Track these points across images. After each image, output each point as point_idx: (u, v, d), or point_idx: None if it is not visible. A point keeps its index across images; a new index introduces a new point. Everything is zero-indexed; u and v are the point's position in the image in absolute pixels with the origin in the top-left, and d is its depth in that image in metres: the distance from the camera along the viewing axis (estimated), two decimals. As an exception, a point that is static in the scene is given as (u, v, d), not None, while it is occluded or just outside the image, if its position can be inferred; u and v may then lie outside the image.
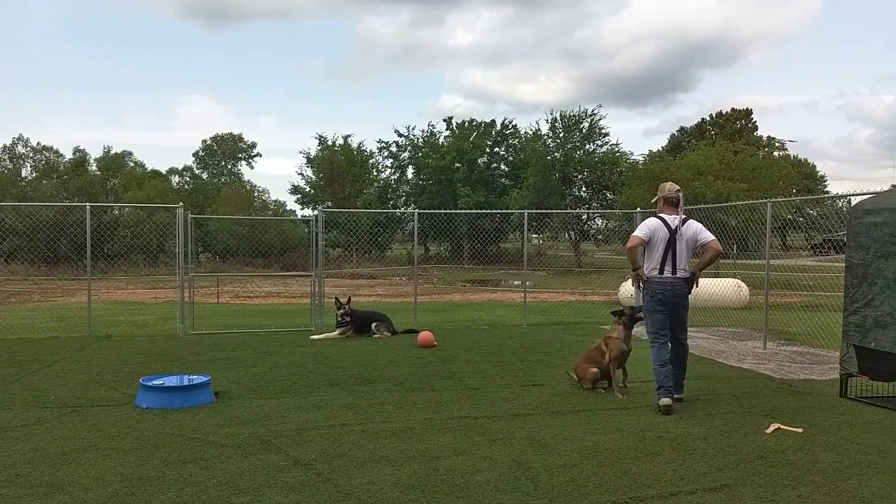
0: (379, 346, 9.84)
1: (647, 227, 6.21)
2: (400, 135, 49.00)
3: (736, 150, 34.96)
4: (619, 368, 6.75)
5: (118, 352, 9.38)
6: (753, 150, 39.53)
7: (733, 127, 54.92)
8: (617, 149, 42.19)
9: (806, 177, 53.10)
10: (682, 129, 60.96)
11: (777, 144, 54.55)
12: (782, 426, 5.36)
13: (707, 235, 6.34)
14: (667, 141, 61.10)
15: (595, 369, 6.68)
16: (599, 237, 41.08)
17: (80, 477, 4.19)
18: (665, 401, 5.89)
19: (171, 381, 6.43)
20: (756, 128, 56.83)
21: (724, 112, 57.55)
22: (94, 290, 14.09)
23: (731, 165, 31.69)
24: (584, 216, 40.37)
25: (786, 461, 4.54)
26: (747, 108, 57.36)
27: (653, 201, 6.66)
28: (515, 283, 27.26)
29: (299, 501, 3.83)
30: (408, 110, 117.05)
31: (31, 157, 55.49)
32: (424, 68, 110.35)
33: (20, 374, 7.65)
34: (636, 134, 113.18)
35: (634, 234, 6.22)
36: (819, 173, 58.87)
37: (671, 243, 6.15)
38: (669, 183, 6.58)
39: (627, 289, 15.96)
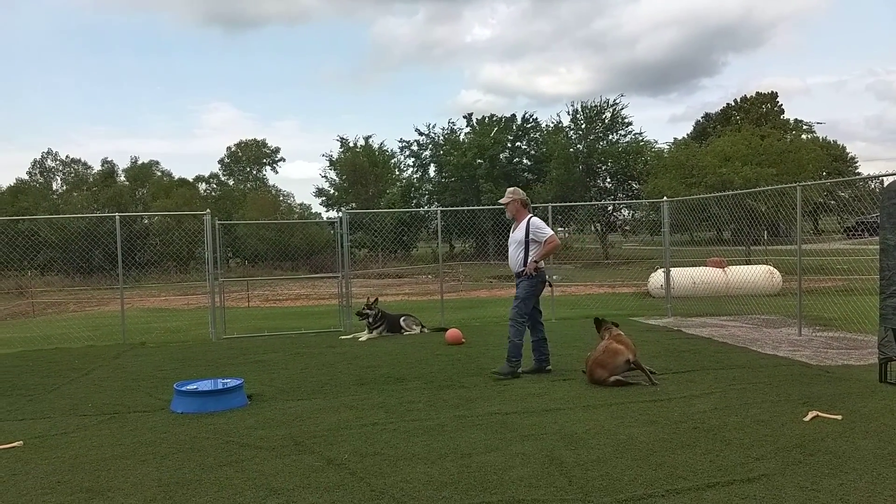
0: (407, 345, 9.87)
1: (547, 225, 7.50)
2: (420, 133, 49.03)
3: (763, 134, 34.41)
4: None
5: (152, 358, 9.53)
6: (780, 133, 38.86)
7: (759, 111, 54.03)
8: (641, 138, 41.78)
9: (836, 159, 52.02)
10: (707, 116, 60.16)
11: (805, 127, 53.53)
12: (821, 413, 5.26)
13: None
14: (692, 128, 60.42)
15: (614, 377, 6.56)
16: (626, 228, 40.70)
17: (120, 482, 4.26)
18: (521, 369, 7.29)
19: (205, 385, 6.51)
20: (782, 111, 55.87)
21: (749, 96, 56.65)
22: (128, 299, 14.36)
23: (758, 150, 31.18)
24: (610, 207, 40.01)
25: (825, 449, 4.45)
26: (773, 92, 56.42)
27: (502, 202, 7.61)
28: (542, 277, 27.09)
29: (334, 501, 3.85)
30: (427, 108, 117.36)
31: (61, 171, 56.75)
32: (442, 66, 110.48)
33: (59, 383, 7.82)
34: (660, 122, 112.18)
35: (552, 232, 7.42)
36: (849, 155, 57.67)
37: None
38: (519, 188, 7.89)
39: (658, 280, 15.79)
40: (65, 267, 32.02)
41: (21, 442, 5.24)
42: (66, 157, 56.70)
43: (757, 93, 56.71)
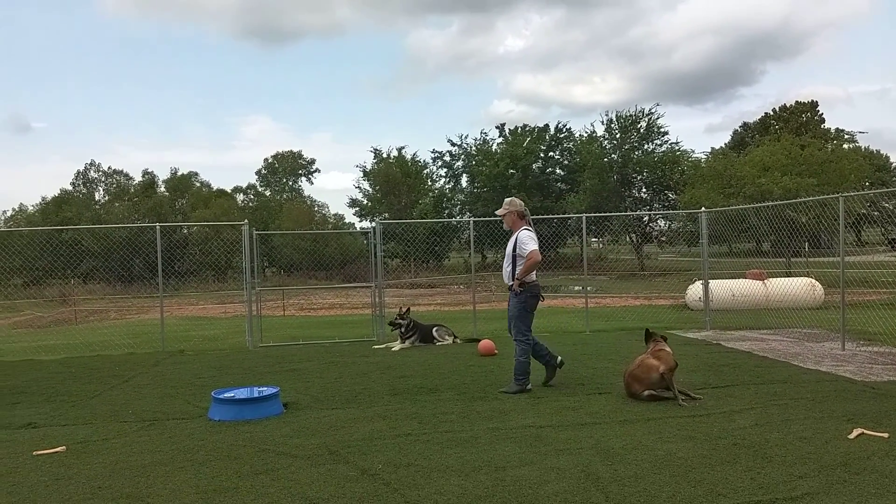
0: (440, 356, 9.86)
1: (535, 239, 7.10)
2: (453, 144, 49.24)
3: (803, 144, 33.71)
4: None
5: (191, 366, 9.69)
6: (821, 143, 38.01)
7: (799, 120, 53.03)
8: (677, 147, 41.30)
9: (879, 169, 50.76)
10: (745, 125, 59.39)
11: (846, 136, 52.35)
12: (866, 431, 5.10)
13: None
14: (730, 137, 59.67)
15: (648, 391, 6.42)
16: (663, 239, 40.20)
17: (158, 489, 4.33)
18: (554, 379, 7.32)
19: (242, 393, 6.59)
20: (823, 120, 54.80)
21: (788, 105, 55.66)
22: (167, 307, 14.64)
23: (798, 160, 30.57)
24: (646, 218, 39.55)
25: (871, 468, 4.31)
26: (812, 101, 55.39)
27: (499, 213, 7.39)
28: (576, 288, 26.92)
29: (368, 512, 3.85)
30: (460, 119, 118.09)
31: (103, 182, 58.18)
32: (475, 77, 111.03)
33: (100, 389, 7.99)
34: (697, 131, 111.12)
35: (534, 248, 6.98)
36: (893, 164, 56.15)
37: None
38: (517, 199, 7.55)
39: (696, 292, 15.55)
40: (106, 275, 32.82)
41: (64, 447, 5.36)
42: (109, 168, 58.20)
43: (797, 102, 55.71)
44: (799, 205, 16.43)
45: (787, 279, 16.94)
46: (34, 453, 5.22)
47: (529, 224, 7.37)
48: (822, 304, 15.10)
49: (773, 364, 8.39)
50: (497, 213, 7.50)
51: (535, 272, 7.13)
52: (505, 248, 7.35)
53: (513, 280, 7.10)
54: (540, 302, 7.27)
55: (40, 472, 4.74)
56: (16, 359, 11.32)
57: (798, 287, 15.52)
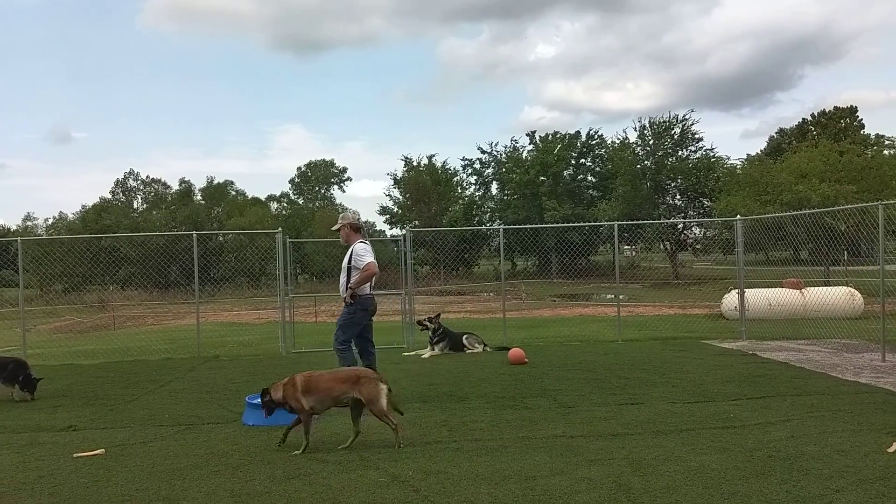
0: (469, 364, 9.86)
1: (370, 252, 7.17)
2: (483, 152, 49.36)
3: (841, 150, 32.97)
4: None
5: (225, 371, 9.85)
6: (861, 149, 37.10)
7: (837, 126, 51.94)
8: (712, 154, 40.75)
9: (923, 174, 49.33)
10: (781, 131, 58.49)
11: (887, 142, 51.13)
12: (908, 445, 4.96)
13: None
14: (766, 143, 58.80)
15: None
16: (697, 247, 39.63)
17: (194, 492, 4.41)
18: None
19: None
20: (862, 126, 53.64)
21: (826, 111, 54.58)
22: (202, 313, 14.89)
23: (836, 167, 29.91)
24: (680, 225, 39.07)
25: (913, 484, 4.20)
26: (852, 106, 54.29)
27: (334, 229, 7.49)
28: (608, 296, 26.67)
29: (398, 519, 3.87)
30: (491, 127, 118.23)
31: (142, 190, 59.28)
32: (505, 84, 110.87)
33: (137, 393, 8.17)
34: (733, 137, 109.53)
35: (371, 260, 7.04)
36: (938, 170, 54.58)
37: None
38: (351, 211, 7.69)
39: (731, 301, 15.31)
40: (144, 282, 33.52)
41: (103, 450, 5.50)
42: (147, 176, 59.28)
43: (835, 107, 54.63)
44: (838, 212, 16.08)
45: (825, 288, 16.58)
46: (75, 455, 5.37)
47: (365, 237, 7.42)
48: (862, 314, 14.74)
49: (811, 375, 8.21)
50: (332, 228, 7.62)
51: (368, 286, 7.16)
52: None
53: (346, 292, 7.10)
54: (372, 318, 7.28)
55: (80, 474, 4.87)
56: (57, 363, 11.63)
57: (837, 296, 15.18)
